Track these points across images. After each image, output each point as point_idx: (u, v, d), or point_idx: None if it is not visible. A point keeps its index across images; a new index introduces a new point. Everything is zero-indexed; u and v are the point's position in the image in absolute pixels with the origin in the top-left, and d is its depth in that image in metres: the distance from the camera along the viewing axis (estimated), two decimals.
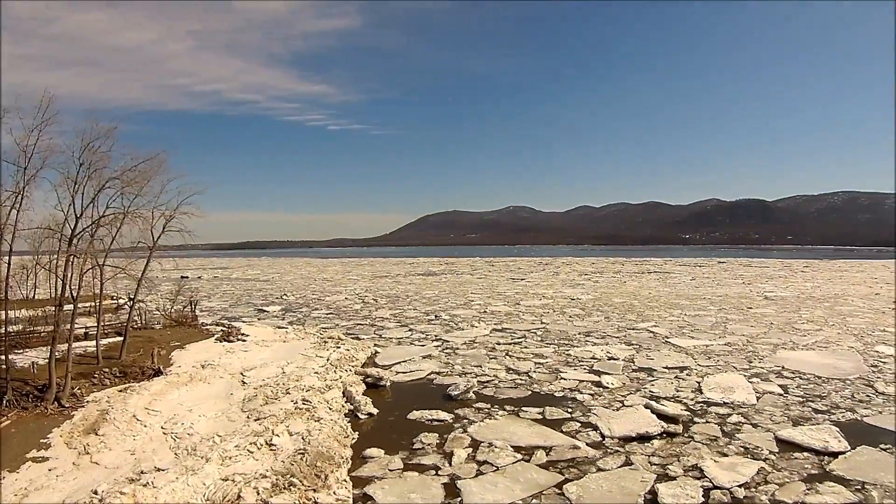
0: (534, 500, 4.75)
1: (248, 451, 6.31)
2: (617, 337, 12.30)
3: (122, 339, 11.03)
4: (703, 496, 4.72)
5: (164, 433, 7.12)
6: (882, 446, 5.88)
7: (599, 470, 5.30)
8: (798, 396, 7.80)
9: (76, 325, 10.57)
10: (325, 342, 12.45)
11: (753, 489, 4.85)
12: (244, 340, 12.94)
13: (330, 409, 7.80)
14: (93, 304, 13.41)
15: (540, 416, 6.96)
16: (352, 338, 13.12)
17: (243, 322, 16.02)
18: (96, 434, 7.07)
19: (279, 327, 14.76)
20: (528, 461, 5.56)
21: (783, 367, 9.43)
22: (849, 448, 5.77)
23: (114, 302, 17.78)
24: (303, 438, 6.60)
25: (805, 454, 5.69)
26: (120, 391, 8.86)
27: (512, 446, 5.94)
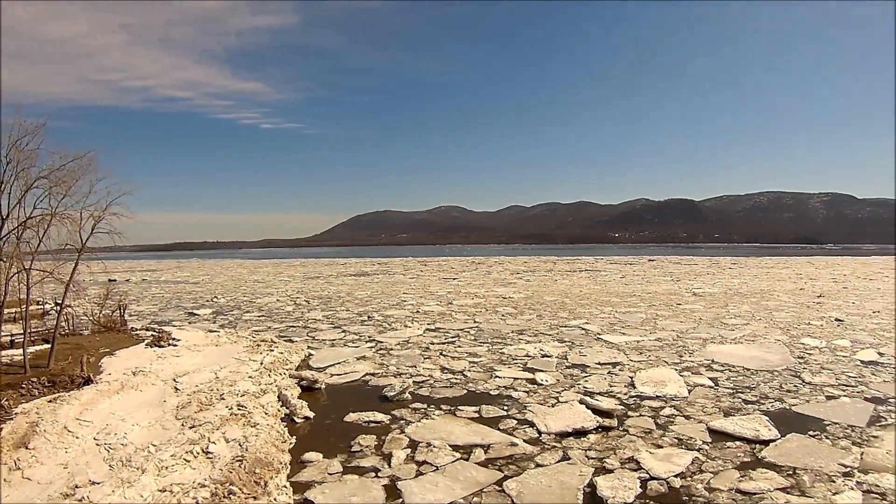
0: (475, 499, 4.78)
1: (184, 460, 6.12)
2: (550, 335, 12.49)
3: (49, 346, 10.52)
4: (640, 487, 4.83)
5: (98, 444, 6.82)
6: (811, 433, 6.16)
7: (538, 466, 5.37)
8: (728, 388, 8.08)
9: (1, 333, 10.09)
10: (258, 345, 12.21)
11: (689, 478, 5.00)
12: (175, 345, 12.54)
13: (266, 413, 7.65)
14: (18, 310, 12.80)
15: (476, 415, 7.00)
16: (285, 340, 12.89)
17: (174, 326, 15.50)
18: (27, 448, 6.71)
19: (211, 331, 14.38)
20: (466, 460, 5.58)
21: (713, 361, 9.74)
22: (779, 436, 6.02)
23: (40, 307, 16.97)
24: (240, 445, 6.45)
25: (737, 443, 5.90)
26: (49, 402, 8.42)
27: (450, 445, 5.95)
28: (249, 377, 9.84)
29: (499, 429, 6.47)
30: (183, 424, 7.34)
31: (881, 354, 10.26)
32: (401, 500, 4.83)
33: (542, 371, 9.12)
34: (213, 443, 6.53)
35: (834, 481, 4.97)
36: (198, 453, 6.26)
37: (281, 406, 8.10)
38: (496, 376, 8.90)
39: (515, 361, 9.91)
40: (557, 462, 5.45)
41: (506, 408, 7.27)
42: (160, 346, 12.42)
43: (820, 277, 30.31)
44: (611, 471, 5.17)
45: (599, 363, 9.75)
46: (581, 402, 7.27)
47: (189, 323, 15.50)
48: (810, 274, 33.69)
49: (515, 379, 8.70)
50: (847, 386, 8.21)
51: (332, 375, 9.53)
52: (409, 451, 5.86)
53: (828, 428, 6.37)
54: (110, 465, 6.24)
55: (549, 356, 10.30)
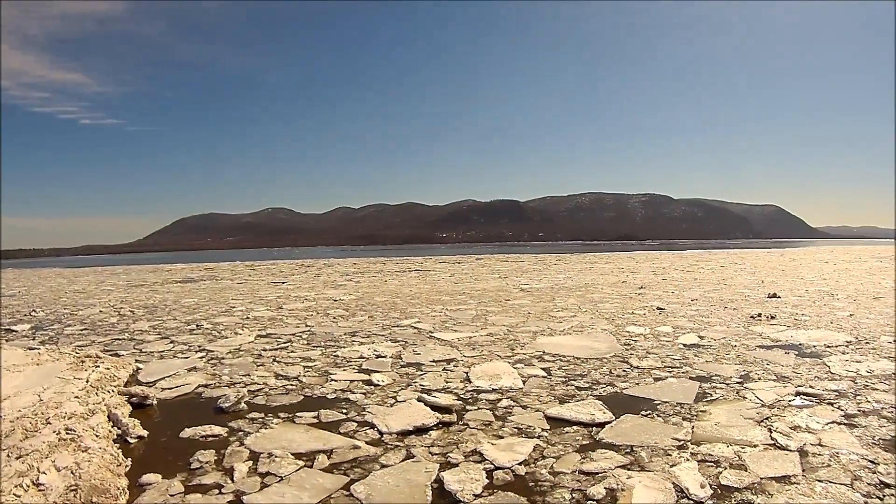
0: None
1: (14, 495, 5.35)
2: (382, 335, 12.43)
3: None
4: (486, 478, 4.85)
5: None
6: (643, 412, 6.49)
7: (383, 466, 5.26)
8: (561, 377, 8.37)
9: None
10: (83, 361, 11.06)
11: (533, 465, 5.10)
12: None
13: (97, 436, 6.91)
14: None
15: (316, 420, 6.77)
16: (111, 354, 11.76)
17: None
18: None
19: (31, 348, 12.88)
20: (311, 467, 5.36)
21: (544, 352, 10.06)
22: (614, 418, 6.29)
23: None
24: (72, 472, 5.75)
25: (575, 427, 6.11)
26: None
27: (292, 454, 5.69)
28: (76, 397, 8.90)
29: (340, 433, 6.31)
30: (9, 455, 6.47)
31: (701, 338, 11.11)
32: None
33: (377, 372, 9.03)
34: (44, 472, 5.79)
35: (670, 454, 5.26)
36: (28, 486, 5.53)
37: (112, 426, 7.37)
38: (332, 380, 8.70)
39: (350, 363, 9.76)
40: (402, 461, 5.39)
41: (344, 411, 7.11)
42: None
43: (640, 271, 32.37)
44: (456, 465, 5.19)
45: (434, 360, 9.82)
46: (419, 399, 7.24)
47: (6, 340, 13.81)
48: (631, 268, 35.99)
49: (352, 381, 8.55)
50: (672, 367, 8.80)
51: (163, 389, 8.84)
52: (250, 462, 5.55)
53: (658, 407, 6.77)
54: None
55: (383, 356, 10.24)
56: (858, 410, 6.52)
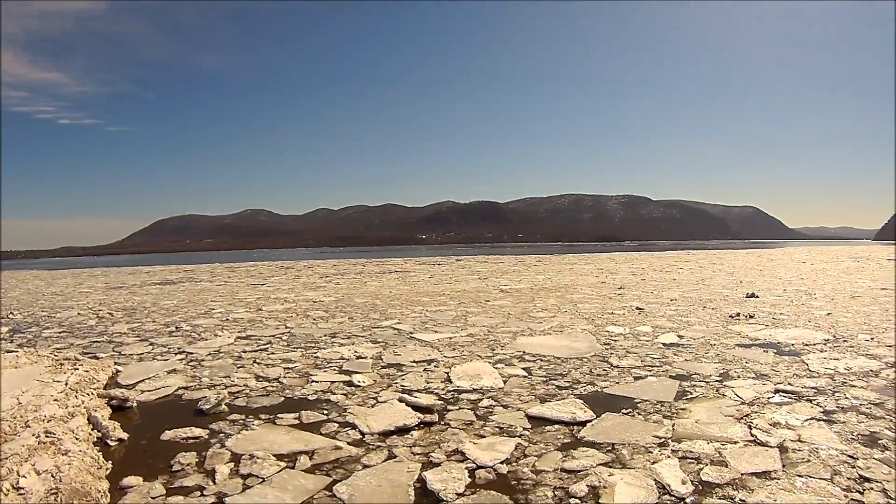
0: None
1: None
2: (363, 336, 12.40)
3: None
4: (469, 477, 4.86)
5: None
6: (624, 411, 6.53)
7: (365, 467, 5.24)
8: (542, 376, 8.40)
9: None
10: (62, 364, 10.88)
11: (515, 463, 5.11)
12: None
13: (77, 438, 6.81)
14: None
15: (297, 422, 6.74)
16: (90, 357, 11.59)
17: None
18: None
19: (9, 351, 12.68)
20: (293, 468, 5.33)
21: (524, 352, 10.08)
22: (594, 416, 6.32)
23: None
24: (52, 476, 5.67)
25: (556, 426, 6.13)
26: None
27: (274, 455, 5.66)
28: (55, 400, 8.77)
29: (321, 433, 6.29)
30: None
31: (681, 337, 11.22)
32: None
33: (358, 373, 9.01)
34: (24, 476, 5.70)
35: (651, 452, 5.30)
36: (8, 490, 5.44)
37: (92, 429, 7.28)
38: (312, 381, 8.66)
39: (331, 365, 9.72)
40: (384, 461, 5.38)
41: (326, 412, 7.09)
42: None
43: (619, 271, 32.52)
44: (438, 464, 5.19)
45: (414, 361, 9.81)
46: (400, 400, 7.23)
47: None
48: (611, 268, 36.18)
49: (332, 382, 8.52)
50: (652, 366, 8.87)
51: (142, 392, 8.74)
52: (232, 464, 5.50)
53: (639, 405, 6.81)
54: None
55: (363, 357, 10.22)
56: (837, 407, 6.60)
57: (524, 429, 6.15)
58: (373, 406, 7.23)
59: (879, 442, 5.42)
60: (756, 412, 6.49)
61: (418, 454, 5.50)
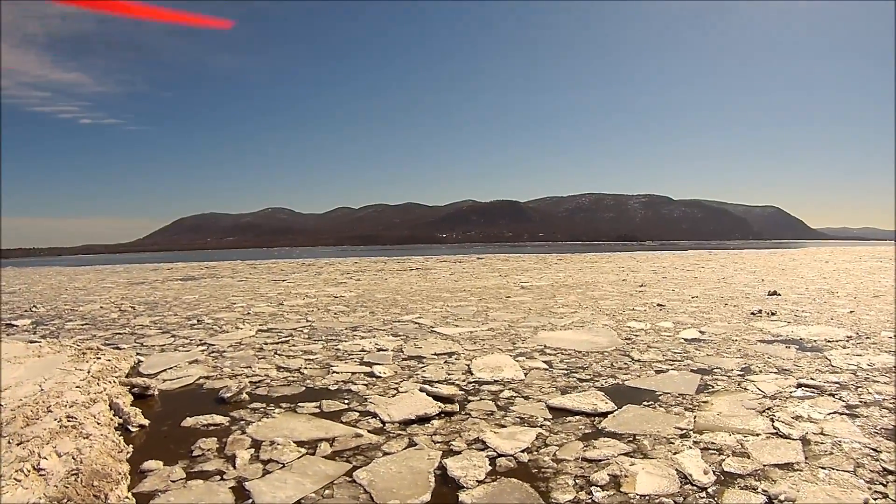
0: (326, 492, 4.57)
1: (14, 479, 5.33)
2: (383, 330, 12.42)
3: None
4: (489, 465, 4.86)
5: None
6: (645, 403, 6.49)
7: (385, 454, 5.25)
8: (563, 369, 8.37)
9: None
10: (84, 353, 10.97)
11: (535, 452, 5.10)
12: None
13: (98, 423, 6.88)
14: None
15: (318, 410, 6.76)
16: (112, 348, 11.74)
17: None
18: None
19: (32, 342, 12.86)
20: (313, 454, 5.34)
21: (545, 346, 10.06)
22: (616, 408, 6.29)
23: None
24: (73, 458, 5.73)
25: (577, 417, 6.10)
26: None
27: (294, 442, 5.67)
28: (77, 387, 8.86)
29: (342, 422, 6.30)
30: (9, 441, 6.45)
31: (702, 333, 11.12)
32: (250, 500, 4.54)
33: (379, 364, 9.02)
34: (45, 458, 5.78)
35: (672, 443, 5.27)
36: (28, 471, 5.50)
37: (113, 415, 7.35)
38: (333, 372, 8.69)
39: (351, 356, 9.75)
40: (405, 449, 5.38)
41: (346, 401, 7.10)
42: None
43: (641, 270, 32.31)
44: (458, 452, 5.18)
45: (435, 354, 9.81)
46: (421, 390, 7.24)
47: (7, 335, 13.81)
48: (632, 267, 35.97)
49: (353, 373, 8.54)
50: (674, 361, 8.81)
51: (164, 381, 8.82)
52: (252, 450, 5.53)
53: (660, 398, 6.78)
54: None
55: (384, 350, 10.24)
56: (860, 401, 6.52)
57: (545, 419, 6.13)
58: (393, 396, 7.23)
59: None
60: (778, 406, 6.43)
61: (439, 442, 5.50)
